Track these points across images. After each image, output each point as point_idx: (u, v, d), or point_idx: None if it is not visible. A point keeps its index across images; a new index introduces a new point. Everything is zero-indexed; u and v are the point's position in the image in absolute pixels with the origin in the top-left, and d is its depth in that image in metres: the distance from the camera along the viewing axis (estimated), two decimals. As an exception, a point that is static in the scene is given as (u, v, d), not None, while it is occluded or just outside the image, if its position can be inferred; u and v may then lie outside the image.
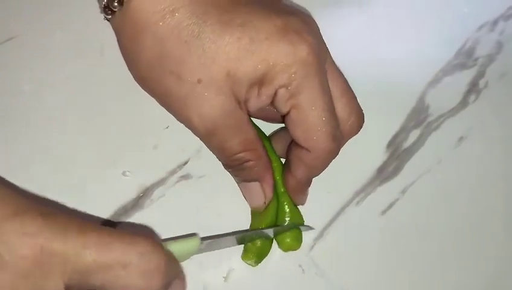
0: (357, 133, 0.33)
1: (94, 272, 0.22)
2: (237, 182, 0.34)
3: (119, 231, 0.23)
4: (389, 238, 0.36)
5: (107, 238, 0.22)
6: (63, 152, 0.34)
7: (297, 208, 0.35)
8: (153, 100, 0.36)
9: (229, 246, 0.33)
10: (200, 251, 0.29)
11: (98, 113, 0.35)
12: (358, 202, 0.37)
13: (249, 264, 0.33)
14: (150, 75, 0.30)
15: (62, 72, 0.35)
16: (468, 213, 0.38)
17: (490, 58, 0.42)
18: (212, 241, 0.31)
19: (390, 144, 0.39)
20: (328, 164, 0.32)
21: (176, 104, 0.30)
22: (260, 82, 0.29)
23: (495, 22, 0.44)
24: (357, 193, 0.37)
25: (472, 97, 0.41)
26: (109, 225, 0.32)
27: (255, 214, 0.34)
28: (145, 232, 0.25)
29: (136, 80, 0.31)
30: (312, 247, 0.35)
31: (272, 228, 0.33)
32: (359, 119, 0.33)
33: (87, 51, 0.36)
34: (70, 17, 0.37)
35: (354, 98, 0.32)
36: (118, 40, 0.31)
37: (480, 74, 0.42)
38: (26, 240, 0.20)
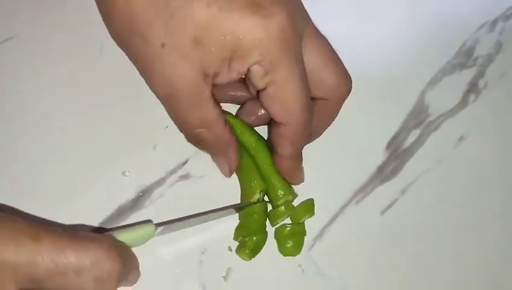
0: (347, 96, 0.33)
1: (47, 279, 0.22)
2: None
3: (73, 235, 0.23)
4: (389, 237, 0.36)
5: (60, 244, 0.22)
6: (62, 152, 0.34)
7: (290, 186, 0.34)
8: (152, 100, 0.36)
9: (188, 227, 0.33)
10: (156, 235, 0.30)
11: (97, 113, 0.35)
12: (357, 202, 0.37)
13: (242, 258, 0.33)
14: (121, 33, 0.30)
15: (62, 71, 0.35)
16: (468, 213, 0.38)
17: (490, 58, 0.42)
18: (167, 226, 0.32)
19: (390, 144, 0.39)
20: (307, 133, 0.32)
21: (142, 65, 0.30)
22: (230, 57, 0.29)
23: (494, 22, 0.44)
24: (357, 193, 0.37)
25: (472, 97, 0.41)
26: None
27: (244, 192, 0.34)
28: (98, 234, 0.25)
29: (111, 37, 0.31)
30: (312, 246, 0.35)
31: (233, 207, 0.34)
32: (347, 82, 0.32)
33: (87, 51, 0.36)
34: (70, 17, 0.37)
35: (339, 62, 0.32)
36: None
37: (480, 74, 0.42)
38: None
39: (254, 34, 0.28)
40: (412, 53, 0.42)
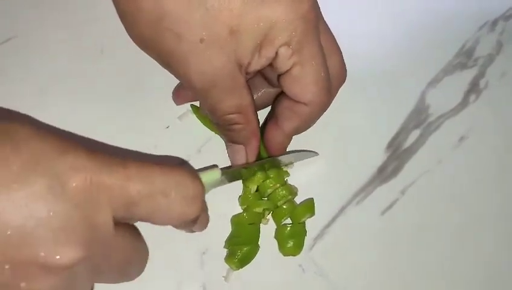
0: (342, 84, 0.34)
1: (138, 202, 0.23)
2: (225, 142, 0.35)
3: (158, 163, 0.24)
4: (389, 238, 0.36)
5: (148, 170, 0.23)
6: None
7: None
8: (153, 100, 0.36)
9: (246, 178, 0.34)
10: (220, 182, 0.30)
11: (98, 113, 0.35)
12: (358, 202, 0.37)
13: (231, 267, 0.33)
14: (150, 35, 0.30)
15: (62, 72, 0.36)
16: (468, 213, 0.38)
17: (490, 58, 0.43)
18: (231, 172, 0.32)
19: (390, 144, 0.39)
20: (320, 115, 0.33)
21: (175, 63, 0.30)
22: (261, 43, 0.29)
23: (495, 22, 0.44)
24: (357, 193, 0.37)
25: (472, 97, 0.41)
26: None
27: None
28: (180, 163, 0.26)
29: (134, 41, 0.31)
30: (312, 246, 0.35)
31: (285, 155, 0.34)
32: (346, 71, 0.33)
33: (87, 51, 0.36)
34: (70, 17, 0.37)
35: (341, 53, 0.33)
36: (114, 2, 0.31)
37: (481, 74, 0.42)
38: (76, 174, 0.21)
39: (286, 16, 0.28)
40: (412, 53, 0.42)
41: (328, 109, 0.33)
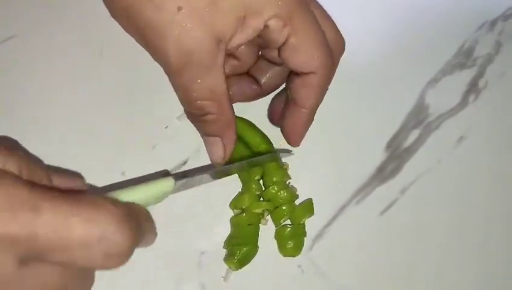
0: (342, 54, 0.33)
1: (50, 252, 0.20)
2: (201, 135, 0.34)
3: (79, 203, 0.20)
4: (388, 238, 0.36)
5: (64, 214, 0.20)
6: (61, 151, 0.34)
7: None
8: (152, 100, 0.36)
9: (205, 182, 0.32)
10: (175, 190, 0.28)
11: (97, 113, 0.35)
12: (357, 202, 0.37)
13: (230, 267, 0.33)
14: (128, 7, 0.28)
15: (62, 71, 0.36)
16: (468, 213, 0.38)
17: (489, 58, 0.43)
18: (188, 179, 0.30)
19: (389, 144, 0.39)
20: (330, 81, 0.32)
21: (152, 35, 0.28)
22: (245, 15, 0.28)
23: (494, 22, 0.44)
24: (357, 193, 0.37)
25: (472, 97, 0.41)
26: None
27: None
28: (108, 200, 0.22)
29: (112, 15, 0.30)
30: (311, 247, 0.35)
31: (248, 160, 0.33)
32: (343, 39, 0.33)
33: (87, 51, 0.36)
34: (71, 17, 0.37)
35: (335, 24, 0.33)
36: None
37: (480, 74, 0.42)
38: None
39: None
40: (411, 53, 0.42)
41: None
